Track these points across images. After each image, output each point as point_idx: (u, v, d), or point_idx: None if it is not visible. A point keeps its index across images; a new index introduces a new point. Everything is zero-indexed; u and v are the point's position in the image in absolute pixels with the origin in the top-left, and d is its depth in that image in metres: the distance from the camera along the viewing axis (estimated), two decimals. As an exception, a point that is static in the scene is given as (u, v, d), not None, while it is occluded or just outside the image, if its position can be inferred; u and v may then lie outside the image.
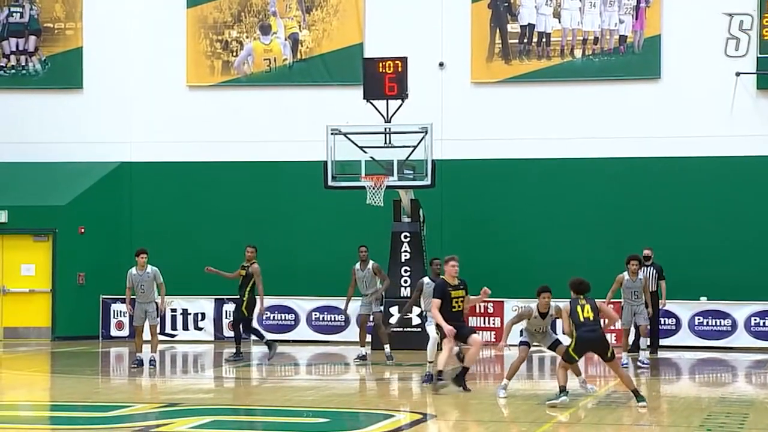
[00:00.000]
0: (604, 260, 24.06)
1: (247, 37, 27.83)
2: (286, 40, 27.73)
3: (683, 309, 24.86)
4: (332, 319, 25.90)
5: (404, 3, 27.26)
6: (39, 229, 26.87)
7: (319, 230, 26.88)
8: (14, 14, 28.31)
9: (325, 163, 23.93)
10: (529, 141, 26.54)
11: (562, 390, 15.55)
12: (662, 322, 24.45)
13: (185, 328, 26.14)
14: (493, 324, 25.11)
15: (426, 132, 23.65)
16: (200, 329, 26.28)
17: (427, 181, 23.82)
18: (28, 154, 27.49)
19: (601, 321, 16.01)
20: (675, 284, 24.14)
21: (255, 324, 22.35)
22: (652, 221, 25.93)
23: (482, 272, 22.94)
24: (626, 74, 26.54)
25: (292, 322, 26.14)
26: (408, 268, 24.30)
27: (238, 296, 22.02)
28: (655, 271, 23.71)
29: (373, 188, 23.61)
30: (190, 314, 26.26)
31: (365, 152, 23.66)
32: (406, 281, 24.07)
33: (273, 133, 27.34)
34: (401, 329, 23.14)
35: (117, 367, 22.92)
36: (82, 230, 27.01)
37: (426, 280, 18.24)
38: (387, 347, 21.58)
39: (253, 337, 22.48)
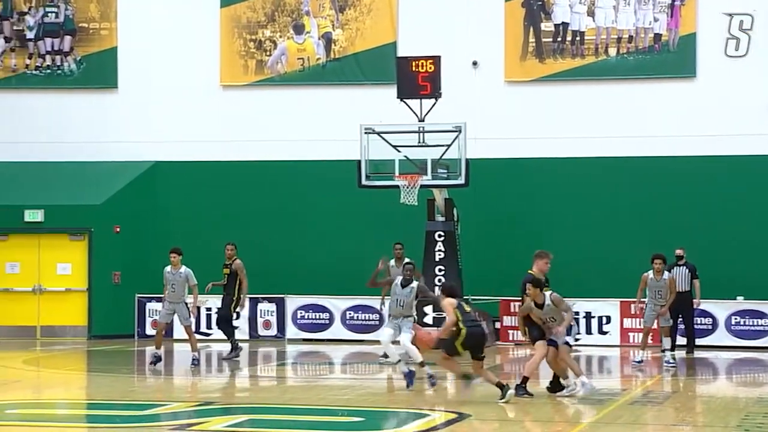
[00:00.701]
0: (637, 259, 23.83)
1: (280, 37, 27.87)
2: (319, 39, 27.76)
3: (720, 309, 24.71)
4: (366, 318, 25.92)
5: (437, 2, 27.24)
6: (75, 229, 27.00)
7: (353, 229, 26.89)
8: (49, 14, 28.48)
9: (359, 162, 23.94)
10: (563, 140, 26.45)
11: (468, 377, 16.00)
12: (698, 322, 24.27)
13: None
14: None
15: (460, 131, 23.61)
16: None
17: (461, 180, 23.77)
18: (63, 153, 27.63)
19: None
20: (711, 284, 23.96)
21: (234, 322, 22.41)
22: (688, 220, 25.79)
23: (516, 270, 22.81)
24: (661, 73, 26.43)
25: (327, 321, 26.19)
26: (442, 267, 24.26)
27: (225, 294, 22.20)
28: (687, 270, 23.51)
29: (407, 187, 23.58)
30: (224, 313, 26.31)
31: (399, 151, 23.64)
32: (440, 280, 24.02)
33: (307, 132, 27.37)
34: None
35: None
36: (118, 229, 27.13)
37: (397, 281, 18.15)
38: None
39: (222, 333, 22.55)
